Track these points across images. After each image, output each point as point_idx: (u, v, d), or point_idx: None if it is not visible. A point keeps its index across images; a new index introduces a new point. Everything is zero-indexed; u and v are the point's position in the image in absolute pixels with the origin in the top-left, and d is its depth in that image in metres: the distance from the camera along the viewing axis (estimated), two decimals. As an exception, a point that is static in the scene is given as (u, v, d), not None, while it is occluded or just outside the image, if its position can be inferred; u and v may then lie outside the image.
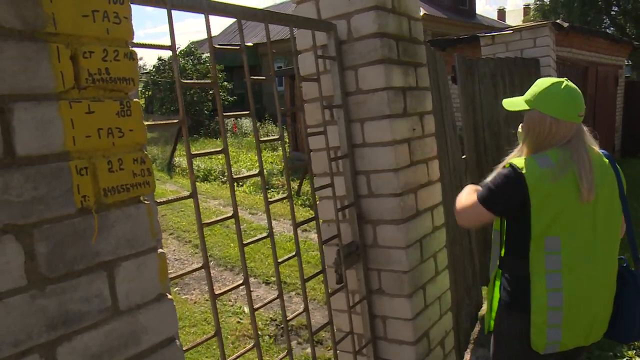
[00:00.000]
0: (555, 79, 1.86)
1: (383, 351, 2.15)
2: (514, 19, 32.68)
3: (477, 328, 4.03)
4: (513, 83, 4.46)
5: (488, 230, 4.10)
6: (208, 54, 20.47)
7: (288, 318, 1.71)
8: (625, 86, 12.82)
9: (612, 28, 23.13)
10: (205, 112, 19.79)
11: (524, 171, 1.76)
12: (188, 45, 21.59)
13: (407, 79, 2.02)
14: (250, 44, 23.08)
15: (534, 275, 1.80)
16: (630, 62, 18.66)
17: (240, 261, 1.50)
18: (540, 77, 5.10)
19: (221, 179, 10.73)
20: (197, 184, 10.51)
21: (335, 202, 1.87)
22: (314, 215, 1.79)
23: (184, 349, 1.27)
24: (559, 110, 1.80)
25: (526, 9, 31.88)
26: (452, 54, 3.78)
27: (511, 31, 5.04)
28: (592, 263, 1.80)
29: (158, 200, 1.17)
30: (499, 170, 1.86)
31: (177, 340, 1.14)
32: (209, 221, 1.39)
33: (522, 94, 1.96)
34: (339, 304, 2.20)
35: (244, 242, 1.51)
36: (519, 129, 1.99)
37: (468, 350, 3.69)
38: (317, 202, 2.15)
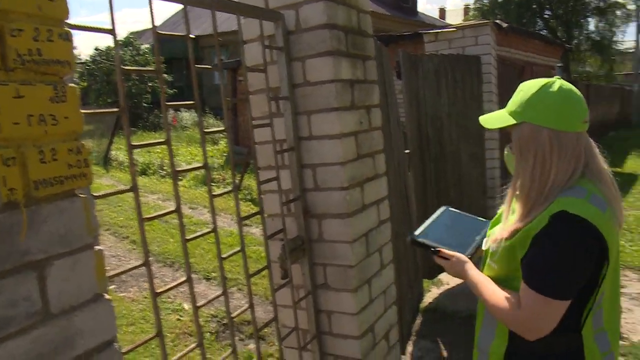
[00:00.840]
0: (544, 80, 1.45)
1: (328, 346, 2.13)
2: (455, 18, 33.50)
3: (418, 320, 4.10)
4: (455, 79, 4.54)
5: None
6: (147, 45, 19.91)
7: (233, 315, 1.66)
8: (557, 86, 13.33)
9: (545, 31, 24.09)
10: (144, 104, 19.23)
11: (594, 222, 1.30)
12: (127, 36, 20.90)
13: (356, 71, 2.00)
14: (192, 35, 22.64)
15: (587, 343, 1.43)
16: (561, 64, 19.49)
17: (184, 257, 1.44)
18: (481, 75, 5.26)
19: (160, 172, 10.48)
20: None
21: (280, 195, 1.83)
22: (258, 210, 1.74)
23: (122, 351, 1.20)
24: (557, 119, 1.38)
25: (466, 8, 32.76)
26: (395, 50, 3.80)
27: (454, 29, 5.13)
28: (617, 299, 1.53)
29: (95, 194, 1.09)
30: (541, 231, 1.34)
31: (115, 343, 1.07)
32: (150, 216, 1.32)
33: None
34: (284, 300, 2.16)
35: (187, 238, 1.45)
36: (506, 152, 1.60)
37: (410, 342, 3.75)
38: (262, 196, 2.10)
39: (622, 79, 29.89)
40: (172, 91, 19.31)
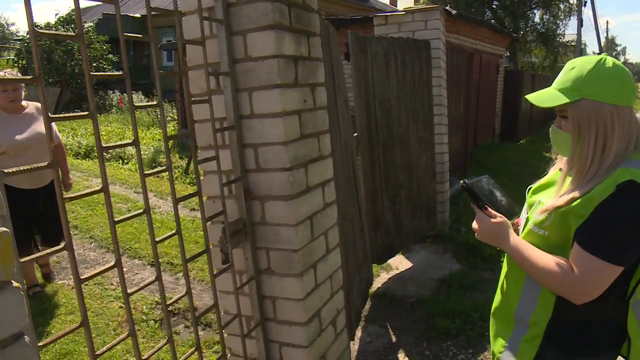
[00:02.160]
0: (596, 57, 1.46)
1: (273, 333, 2.06)
2: (405, 5, 33.68)
3: (368, 305, 4.09)
4: (405, 63, 4.51)
5: (378, 206, 4.17)
6: (91, 23, 19.13)
7: (169, 301, 1.56)
8: (504, 75, 13.68)
9: (493, 20, 24.54)
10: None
11: None
12: (68, 13, 20.00)
13: (299, 47, 1.91)
14: (138, 15, 21.88)
15: (630, 311, 1.47)
16: (508, 54, 19.92)
17: (113, 241, 1.33)
18: (430, 60, 5.26)
19: (105, 156, 10.11)
20: (79, 161, 9.81)
21: (220, 176, 1.74)
22: (196, 191, 1.64)
23: (42, 343, 1.10)
24: (617, 94, 1.42)
25: (417, -4, 33.00)
26: (345, 34, 3.73)
27: (404, 12, 5.10)
28: None
29: (5, 171, 0.98)
30: (604, 199, 1.35)
31: (26, 336, 0.96)
32: (71, 195, 1.21)
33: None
34: (226, 285, 2.08)
35: (115, 220, 1.34)
36: (554, 130, 1.56)
37: (360, 327, 3.73)
38: (202, 177, 2.00)
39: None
40: (119, 73, 18.65)
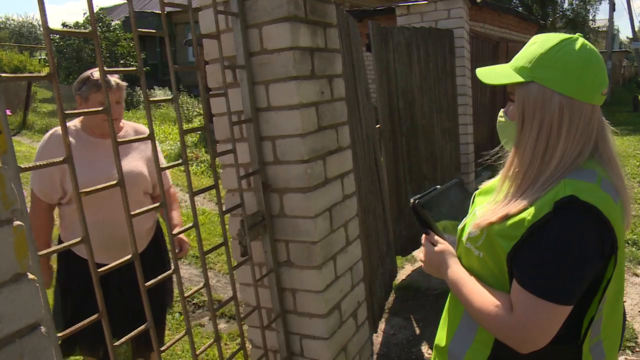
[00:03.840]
0: (563, 35, 1.19)
1: (293, 325, 2.07)
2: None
3: (391, 297, 4.07)
4: (428, 53, 4.46)
5: (402, 198, 4.14)
6: (117, 21, 19.40)
7: (187, 293, 1.58)
8: (532, 62, 13.41)
9: (520, 8, 24.10)
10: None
11: (607, 214, 1.08)
12: (96, 12, 20.33)
13: (315, 39, 1.90)
14: (157, 11, 22.12)
15: (584, 356, 1.20)
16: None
17: (130, 234, 1.35)
18: (453, 49, 5.19)
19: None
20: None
21: (237, 169, 1.74)
22: (213, 184, 1.65)
23: (60, 334, 1.12)
24: (575, 84, 1.13)
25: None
26: (368, 24, 3.71)
27: (426, 2, 5.04)
28: (620, 306, 1.28)
29: (22, 166, 1.00)
30: (532, 217, 1.09)
31: (42, 327, 0.98)
32: (88, 189, 1.23)
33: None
34: (246, 278, 2.10)
35: (132, 213, 1.36)
36: (500, 117, 1.32)
37: (383, 319, 3.72)
38: (221, 171, 2.01)
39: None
40: (145, 69, 18.92)
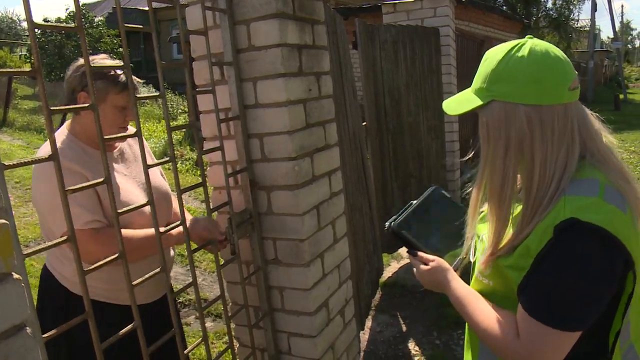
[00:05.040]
0: (510, 43, 1.12)
1: (281, 323, 2.06)
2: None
3: (378, 295, 4.08)
4: (414, 51, 4.47)
5: (388, 195, 4.15)
6: (101, 18, 19.18)
7: (175, 292, 1.57)
8: (516, 61, 13.51)
9: (504, 7, 24.25)
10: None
11: (614, 232, 1.00)
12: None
13: (303, 36, 1.89)
14: (147, 8, 21.93)
15: None
16: (521, 39, 19.64)
17: (117, 232, 1.33)
18: (439, 47, 5.21)
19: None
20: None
21: (225, 167, 1.73)
22: (200, 181, 1.64)
23: (46, 335, 1.10)
24: (535, 91, 1.07)
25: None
26: (354, 22, 3.70)
27: (412, 0, 5.05)
28: None
29: (6, 163, 0.98)
30: (553, 250, 1.03)
31: (27, 328, 0.97)
32: (73, 187, 1.20)
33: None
34: (233, 276, 2.08)
35: (119, 211, 1.34)
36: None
37: (369, 317, 3.73)
38: (208, 168, 2.00)
39: (578, 56, 30.45)
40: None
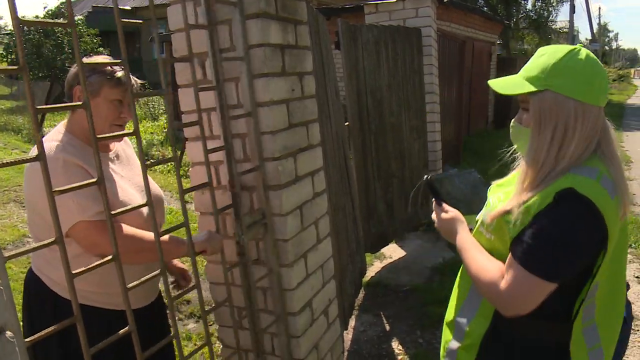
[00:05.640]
0: (569, 46, 1.32)
1: (265, 323, 2.06)
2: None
3: (361, 294, 4.09)
4: (396, 51, 4.49)
5: (370, 195, 4.16)
6: (80, 16, 18.93)
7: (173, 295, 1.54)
8: (497, 62, 13.66)
9: (485, 8, 24.49)
10: (79, 79, 18.28)
11: (600, 207, 1.21)
12: (57, 6, 19.79)
13: (286, 36, 1.89)
14: (128, 7, 21.71)
15: (575, 336, 1.33)
16: (500, 41, 19.87)
17: (110, 235, 1.31)
18: (421, 48, 5.24)
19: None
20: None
21: (231, 165, 1.72)
22: (205, 181, 1.62)
23: (29, 339, 1.08)
24: (586, 90, 1.27)
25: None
26: (336, 22, 3.71)
27: (394, 0, 5.07)
28: (620, 296, 1.41)
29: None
30: (539, 209, 1.24)
31: (7, 332, 0.95)
32: (65, 187, 1.18)
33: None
34: (217, 277, 2.08)
35: (112, 212, 1.32)
36: (513, 125, 1.44)
37: (353, 316, 3.73)
38: (190, 169, 1.99)
39: (558, 56, 30.70)
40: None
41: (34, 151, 1.70)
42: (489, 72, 12.75)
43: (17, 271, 4.43)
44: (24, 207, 6.43)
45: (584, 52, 1.30)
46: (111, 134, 1.32)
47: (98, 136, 1.18)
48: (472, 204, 1.63)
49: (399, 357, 3.27)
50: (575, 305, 1.31)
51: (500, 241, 1.36)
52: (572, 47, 1.31)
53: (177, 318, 3.81)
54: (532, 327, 1.35)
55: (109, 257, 1.21)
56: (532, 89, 1.31)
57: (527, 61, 1.41)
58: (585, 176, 1.24)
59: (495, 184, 1.55)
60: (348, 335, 3.50)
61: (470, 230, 1.53)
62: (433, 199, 1.64)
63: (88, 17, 20.36)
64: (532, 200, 1.26)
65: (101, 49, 18.59)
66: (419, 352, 3.27)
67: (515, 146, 1.49)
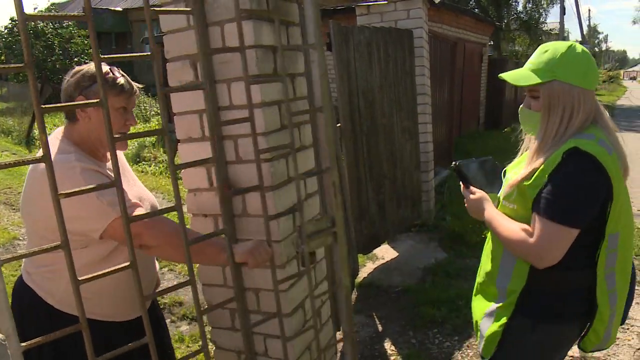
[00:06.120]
0: (566, 42, 1.61)
1: (258, 325, 2.05)
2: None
3: (353, 295, 4.10)
4: (387, 52, 4.50)
5: (362, 196, 4.17)
6: (72, 17, 18.80)
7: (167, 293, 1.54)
8: (488, 63, 13.72)
9: (476, 9, 24.59)
10: (71, 81, 18.09)
11: (601, 160, 1.48)
12: (48, 7, 19.68)
13: (278, 37, 1.89)
14: (119, 8, 21.63)
15: (599, 280, 1.59)
16: (491, 43, 19.97)
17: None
18: (413, 49, 5.25)
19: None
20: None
21: (294, 164, 1.72)
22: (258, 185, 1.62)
23: (25, 344, 1.06)
24: (585, 78, 1.56)
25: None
26: (328, 23, 3.71)
27: (386, 2, 5.09)
28: (631, 251, 1.66)
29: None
30: (552, 168, 1.51)
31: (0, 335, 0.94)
32: (69, 192, 1.17)
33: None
34: (209, 278, 2.07)
35: (144, 213, 1.32)
36: (523, 110, 1.70)
37: (345, 317, 3.74)
38: (182, 171, 1.98)
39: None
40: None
41: (69, 173, 1.64)
42: (480, 73, 12.80)
43: (8, 274, 4.41)
44: (14, 209, 6.39)
45: (579, 47, 1.57)
46: (129, 134, 1.29)
47: (116, 136, 1.12)
48: (493, 185, 1.88)
49: (392, 358, 3.28)
50: (598, 253, 1.57)
51: (524, 208, 1.60)
52: (569, 42, 1.59)
53: (169, 320, 3.80)
54: (563, 279, 1.62)
55: (126, 264, 1.17)
56: (542, 80, 1.57)
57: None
58: (585, 139, 1.52)
59: (509, 165, 1.82)
60: (341, 337, 3.51)
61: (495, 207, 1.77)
62: (461, 183, 1.89)
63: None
64: (544, 163, 1.53)
65: (91, 50, 18.48)
66: (412, 353, 3.28)
67: (523, 129, 1.78)
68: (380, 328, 3.65)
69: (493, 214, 1.72)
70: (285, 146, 1.71)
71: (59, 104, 1.09)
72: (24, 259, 1.73)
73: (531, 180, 1.55)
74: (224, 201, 1.74)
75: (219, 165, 1.86)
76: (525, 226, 1.58)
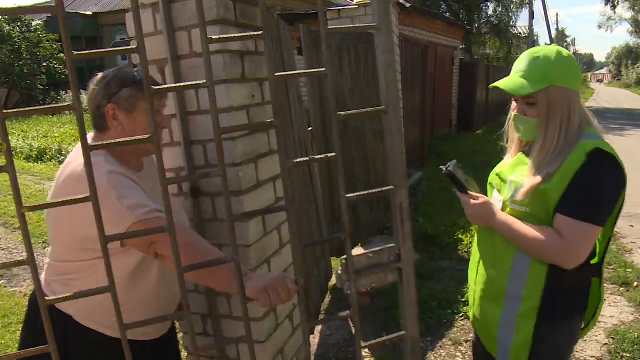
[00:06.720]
0: (552, 47, 1.63)
1: (229, 330, 2.05)
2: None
3: (327, 299, 4.11)
4: (358, 56, 4.54)
5: (335, 200, 4.18)
6: (39, 21, 18.47)
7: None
8: (459, 66, 13.91)
9: (447, 13, 24.90)
10: (39, 86, 17.71)
11: (618, 159, 1.54)
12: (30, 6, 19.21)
13: (246, 42, 1.90)
14: (89, 12, 21.31)
15: (603, 269, 1.71)
16: (463, 46, 20.24)
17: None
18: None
19: (58, 158, 9.79)
20: (30, 164, 9.52)
21: (318, 171, 1.71)
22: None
23: (7, 354, 1.05)
24: (576, 80, 1.60)
25: (372, -10, 33.10)
26: (299, 28, 3.73)
27: (356, 6, 5.13)
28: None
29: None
30: (576, 168, 1.51)
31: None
32: (32, 205, 1.16)
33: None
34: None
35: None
36: (518, 117, 1.67)
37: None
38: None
39: (519, 61, 31.43)
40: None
41: (74, 166, 1.56)
42: (451, 76, 12.98)
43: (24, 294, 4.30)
44: (7, 227, 6.17)
45: (563, 51, 1.60)
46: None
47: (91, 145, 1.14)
48: (476, 187, 1.82)
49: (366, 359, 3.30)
50: (604, 247, 1.66)
51: (540, 209, 1.59)
52: (555, 47, 1.62)
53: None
54: (578, 274, 1.62)
55: (106, 286, 1.13)
56: (541, 87, 1.57)
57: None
58: (597, 139, 1.54)
59: (500, 169, 1.82)
60: (315, 340, 3.52)
61: None
62: (455, 189, 1.77)
63: (48, 23, 19.84)
64: (564, 165, 1.52)
65: (62, 54, 18.16)
66: (385, 355, 3.31)
67: (519, 134, 1.73)
68: (354, 330, 3.66)
69: (507, 218, 1.66)
70: (255, 150, 1.72)
71: (21, 109, 1.08)
72: (45, 269, 1.66)
73: (551, 183, 1.53)
74: (194, 205, 1.74)
75: (189, 170, 1.86)
76: (548, 228, 1.57)
